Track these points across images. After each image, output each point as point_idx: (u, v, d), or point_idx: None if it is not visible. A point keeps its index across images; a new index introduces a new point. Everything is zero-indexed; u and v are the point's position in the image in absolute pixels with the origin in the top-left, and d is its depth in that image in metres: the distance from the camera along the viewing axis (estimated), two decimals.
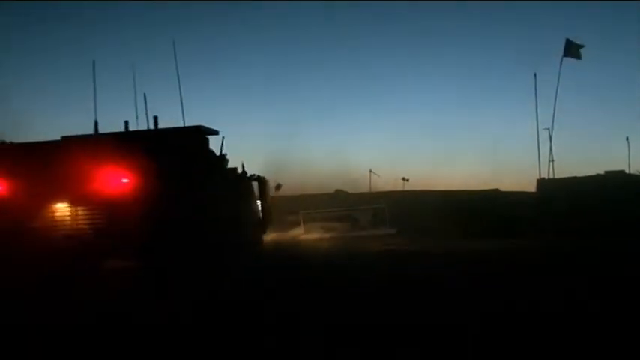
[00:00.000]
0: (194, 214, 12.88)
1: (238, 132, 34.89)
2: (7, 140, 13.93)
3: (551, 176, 24.04)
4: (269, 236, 18.21)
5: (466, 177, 36.66)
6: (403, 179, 31.12)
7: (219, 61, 48.97)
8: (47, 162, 12.99)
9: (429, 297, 8.87)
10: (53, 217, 13.24)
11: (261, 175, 16.70)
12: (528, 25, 43.81)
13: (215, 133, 14.32)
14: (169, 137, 13.84)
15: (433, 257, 15.10)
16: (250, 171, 16.02)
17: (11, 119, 19.30)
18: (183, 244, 12.65)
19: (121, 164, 12.93)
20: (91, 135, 14.81)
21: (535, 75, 24.55)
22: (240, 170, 15.61)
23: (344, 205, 27.88)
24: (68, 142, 13.98)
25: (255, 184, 16.30)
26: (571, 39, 24.01)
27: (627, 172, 23.72)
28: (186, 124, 15.17)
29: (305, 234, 24.89)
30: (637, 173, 23.99)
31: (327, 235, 24.09)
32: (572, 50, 23.81)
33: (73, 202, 13.19)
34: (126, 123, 14.99)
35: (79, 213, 13.20)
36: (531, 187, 24.60)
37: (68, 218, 13.24)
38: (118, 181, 13.01)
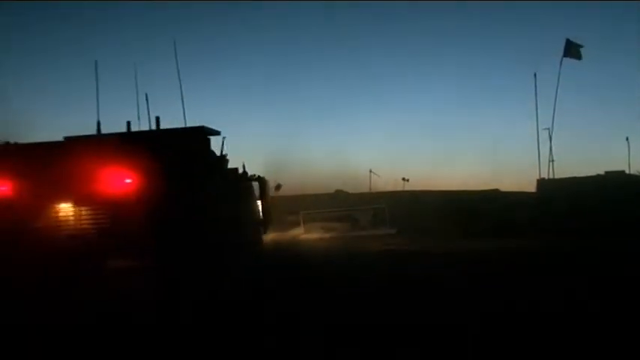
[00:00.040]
0: (195, 214, 12.90)
1: (238, 132, 34.88)
2: (11, 141, 13.96)
3: (551, 176, 24.08)
4: (269, 236, 18.16)
5: (466, 177, 36.66)
6: (403, 179, 31.14)
7: (220, 61, 49.07)
8: (50, 162, 12.98)
9: (429, 297, 8.90)
10: (56, 217, 13.24)
11: (261, 175, 16.73)
12: (528, 25, 43.95)
13: (217, 133, 14.36)
14: (172, 138, 13.85)
15: (433, 257, 15.11)
16: (250, 171, 16.07)
17: (13, 120, 19.35)
18: (184, 244, 12.67)
19: (125, 164, 12.95)
20: (93, 135, 14.87)
21: (535, 75, 24.66)
22: (240, 170, 15.63)
23: (344, 205, 27.91)
24: (71, 142, 14.02)
25: (255, 184, 16.34)
26: (571, 39, 24.11)
27: (627, 172, 23.79)
28: (187, 124, 15.25)
29: (305, 234, 24.91)
30: (637, 173, 24.05)
31: (327, 235, 24.12)
32: (572, 50, 23.85)
33: (76, 203, 13.19)
34: (128, 123, 15.07)
35: (83, 213, 13.20)
36: (531, 187, 24.68)
37: (71, 218, 13.23)
38: (121, 181, 13.01)
